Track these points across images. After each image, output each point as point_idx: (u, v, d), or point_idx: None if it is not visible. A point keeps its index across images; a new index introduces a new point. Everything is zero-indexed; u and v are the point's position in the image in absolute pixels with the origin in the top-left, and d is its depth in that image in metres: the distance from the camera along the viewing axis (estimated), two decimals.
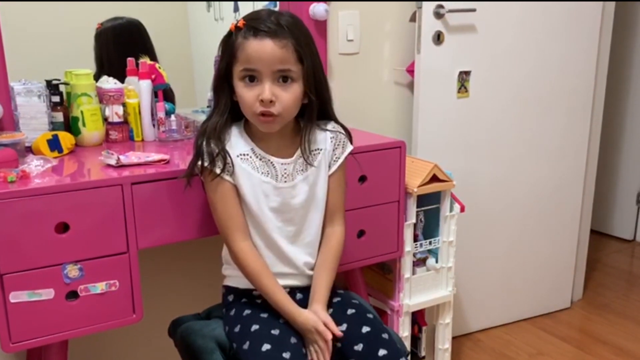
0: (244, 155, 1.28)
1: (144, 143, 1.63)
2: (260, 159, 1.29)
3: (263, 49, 1.18)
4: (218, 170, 1.25)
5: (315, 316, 1.28)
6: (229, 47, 1.22)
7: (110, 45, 1.81)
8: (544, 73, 2.22)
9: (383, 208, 1.65)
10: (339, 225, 1.39)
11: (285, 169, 1.30)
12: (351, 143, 1.37)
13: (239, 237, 1.29)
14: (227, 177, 1.26)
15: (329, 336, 1.26)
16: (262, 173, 1.29)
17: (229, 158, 1.25)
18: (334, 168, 1.35)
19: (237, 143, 1.29)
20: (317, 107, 1.29)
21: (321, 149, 1.33)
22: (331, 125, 1.35)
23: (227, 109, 1.27)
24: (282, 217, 1.32)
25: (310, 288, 1.36)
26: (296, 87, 1.23)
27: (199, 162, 1.25)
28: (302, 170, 1.32)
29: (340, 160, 1.36)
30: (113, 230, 1.29)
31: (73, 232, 1.25)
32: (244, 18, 1.22)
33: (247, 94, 1.21)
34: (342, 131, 1.35)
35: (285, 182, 1.31)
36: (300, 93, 1.24)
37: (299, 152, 1.31)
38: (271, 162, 1.30)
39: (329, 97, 1.32)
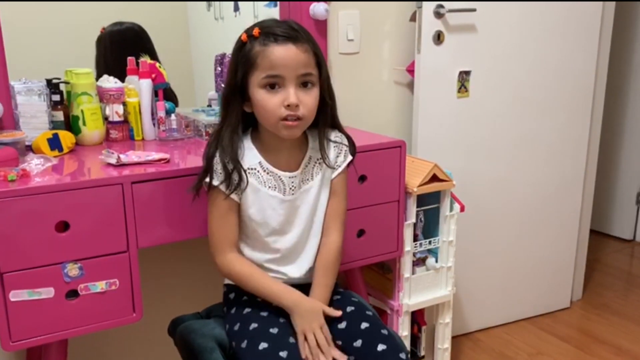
0: (252, 169, 1.28)
1: (144, 142, 1.63)
2: (268, 173, 1.29)
3: (287, 54, 1.18)
4: (228, 191, 1.25)
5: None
6: (245, 56, 1.21)
7: (108, 51, 1.82)
8: (544, 73, 2.22)
9: (383, 207, 1.66)
10: (334, 235, 1.37)
11: (292, 182, 1.31)
12: (354, 153, 1.38)
13: (226, 249, 1.30)
14: (235, 197, 1.27)
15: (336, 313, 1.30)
16: (270, 187, 1.29)
17: (243, 174, 1.26)
18: (334, 174, 1.36)
19: (246, 156, 1.29)
20: (330, 112, 1.30)
21: (327, 164, 1.34)
22: (334, 134, 1.35)
23: (238, 121, 1.27)
24: (286, 227, 1.33)
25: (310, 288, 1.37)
26: (316, 91, 1.24)
27: (208, 180, 1.25)
28: (307, 179, 1.33)
29: (341, 168, 1.36)
30: (113, 229, 1.29)
31: (73, 231, 1.25)
32: (257, 27, 1.21)
33: (271, 101, 1.20)
34: (345, 141, 1.36)
35: (293, 194, 1.31)
36: (318, 97, 1.25)
37: (304, 163, 1.32)
38: (279, 177, 1.30)
39: (335, 106, 1.33)
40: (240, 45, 1.23)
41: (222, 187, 1.25)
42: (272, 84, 1.20)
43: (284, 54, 1.18)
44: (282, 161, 1.31)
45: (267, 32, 1.20)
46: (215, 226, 1.29)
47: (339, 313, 1.31)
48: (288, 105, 1.19)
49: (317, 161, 1.34)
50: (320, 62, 1.24)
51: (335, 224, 1.37)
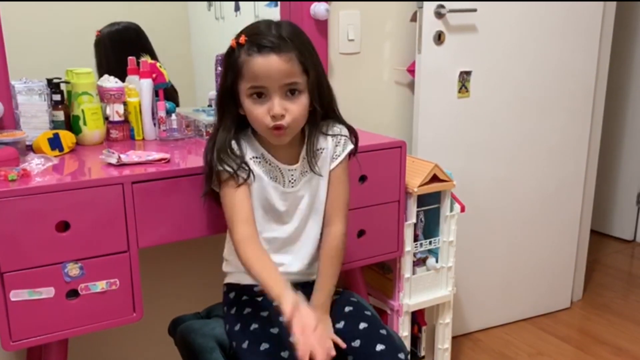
0: (256, 158, 1.30)
1: (145, 142, 1.63)
2: (270, 164, 1.31)
3: (269, 66, 1.18)
4: (241, 180, 1.26)
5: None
6: (232, 64, 1.22)
7: (109, 53, 1.82)
8: (545, 73, 2.22)
9: (383, 208, 1.65)
10: (338, 224, 1.37)
11: (292, 175, 1.32)
12: (356, 143, 1.38)
13: (241, 225, 1.27)
14: (244, 175, 1.27)
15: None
16: (271, 178, 1.31)
17: (247, 168, 1.27)
18: (333, 165, 1.36)
19: (249, 148, 1.30)
20: (320, 115, 1.30)
21: (323, 149, 1.34)
22: (333, 124, 1.35)
23: (233, 124, 1.28)
24: (286, 219, 1.34)
25: (310, 285, 1.37)
26: (303, 98, 1.24)
27: (215, 177, 1.26)
28: (306, 171, 1.34)
29: (340, 158, 1.36)
30: (113, 229, 1.29)
31: (73, 230, 1.25)
32: (245, 33, 1.21)
33: (257, 110, 1.21)
34: (344, 131, 1.36)
35: (292, 187, 1.33)
36: (307, 103, 1.25)
37: (302, 155, 1.33)
38: (279, 169, 1.31)
39: (333, 100, 1.33)
40: (230, 52, 1.23)
41: (232, 181, 1.26)
42: (259, 93, 1.21)
43: (265, 66, 1.18)
44: (283, 154, 1.32)
45: (252, 40, 1.19)
46: (228, 206, 1.27)
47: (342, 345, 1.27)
48: (273, 116, 1.20)
49: (317, 152, 1.33)
50: (308, 69, 1.23)
51: (337, 214, 1.37)
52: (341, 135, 1.35)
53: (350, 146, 1.37)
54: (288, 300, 1.12)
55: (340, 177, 1.37)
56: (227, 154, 1.26)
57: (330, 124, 1.35)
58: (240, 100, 1.24)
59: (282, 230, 1.35)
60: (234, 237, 1.27)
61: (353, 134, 1.37)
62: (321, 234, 1.38)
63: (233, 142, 1.28)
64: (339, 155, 1.36)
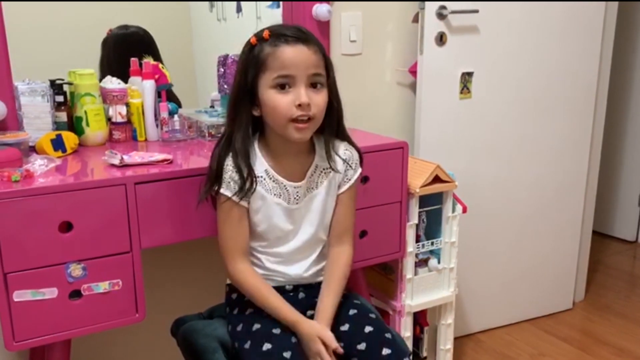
0: (259, 177, 1.29)
1: (147, 143, 1.63)
2: (274, 181, 1.30)
3: (298, 54, 1.19)
4: (238, 198, 1.25)
5: (320, 325, 1.28)
6: (254, 58, 1.21)
7: (112, 53, 1.82)
8: (547, 74, 2.22)
9: (385, 208, 1.66)
10: (348, 246, 1.39)
11: (297, 192, 1.32)
12: (361, 165, 1.38)
13: (238, 258, 1.30)
14: (244, 203, 1.27)
15: (334, 344, 1.25)
16: (275, 195, 1.30)
17: (254, 180, 1.26)
18: (344, 188, 1.36)
19: (254, 163, 1.29)
20: (336, 116, 1.30)
21: (331, 169, 1.34)
22: (344, 146, 1.35)
23: (248, 125, 1.27)
24: (291, 234, 1.34)
25: (308, 288, 1.38)
26: (325, 93, 1.24)
27: (216, 187, 1.26)
28: (312, 188, 1.33)
29: (351, 182, 1.36)
30: (116, 229, 1.29)
31: (76, 231, 1.25)
32: (266, 30, 1.22)
33: (282, 100, 1.20)
34: (355, 154, 1.36)
35: (297, 203, 1.32)
36: (327, 99, 1.25)
37: (309, 172, 1.33)
38: (284, 186, 1.30)
39: (342, 110, 1.33)
40: (250, 48, 1.23)
41: (229, 193, 1.25)
42: (283, 85, 1.20)
43: (295, 54, 1.19)
44: (288, 169, 1.31)
45: (277, 33, 1.20)
46: (227, 234, 1.29)
47: (337, 347, 1.26)
48: (299, 105, 1.19)
49: (324, 171, 1.34)
50: (328, 65, 1.25)
51: (347, 236, 1.39)
52: (352, 161, 1.36)
53: (360, 170, 1.38)
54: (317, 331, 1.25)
55: (350, 199, 1.38)
56: (244, 153, 1.25)
57: (342, 144, 1.35)
58: (260, 96, 1.23)
59: (286, 247, 1.35)
60: (229, 267, 1.30)
61: (360, 155, 1.37)
62: (322, 247, 1.39)
63: (249, 148, 1.27)
64: (349, 179, 1.36)
